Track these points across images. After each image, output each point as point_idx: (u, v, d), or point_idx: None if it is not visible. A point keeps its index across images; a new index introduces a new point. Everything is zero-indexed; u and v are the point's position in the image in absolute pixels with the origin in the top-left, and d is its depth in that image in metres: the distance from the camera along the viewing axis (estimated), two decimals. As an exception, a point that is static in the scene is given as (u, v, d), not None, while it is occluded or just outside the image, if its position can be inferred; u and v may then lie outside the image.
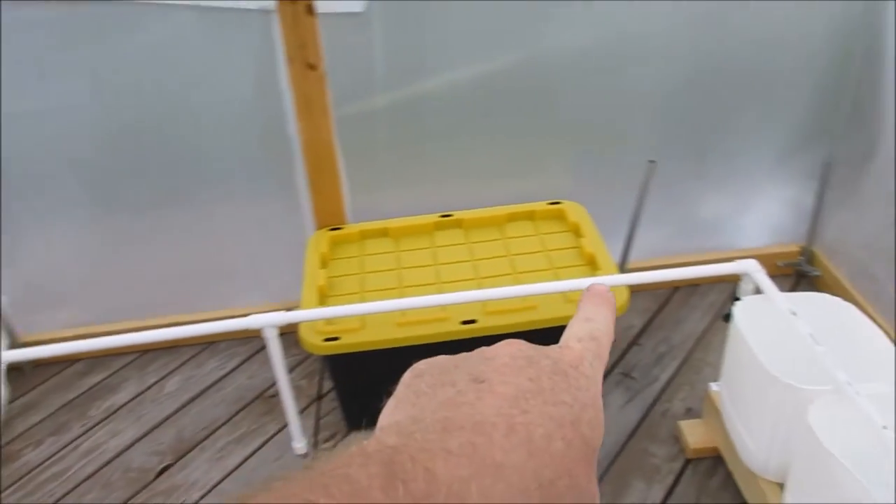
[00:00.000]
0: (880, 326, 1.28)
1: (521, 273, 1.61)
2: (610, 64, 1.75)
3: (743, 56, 1.76)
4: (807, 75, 1.80)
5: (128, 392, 1.82)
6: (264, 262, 1.95)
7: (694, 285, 1.96)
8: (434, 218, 1.80)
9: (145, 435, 1.70)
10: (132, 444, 1.68)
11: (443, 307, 1.47)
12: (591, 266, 1.60)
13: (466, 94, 1.76)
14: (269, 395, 1.77)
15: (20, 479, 1.62)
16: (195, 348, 1.95)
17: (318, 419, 1.68)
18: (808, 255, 1.96)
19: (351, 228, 1.80)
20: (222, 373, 1.85)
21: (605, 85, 1.78)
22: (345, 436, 1.64)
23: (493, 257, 1.68)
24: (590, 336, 0.31)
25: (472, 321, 1.46)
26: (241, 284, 1.98)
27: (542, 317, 1.47)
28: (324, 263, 1.68)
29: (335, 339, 1.46)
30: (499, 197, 1.87)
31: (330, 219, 1.81)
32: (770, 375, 1.14)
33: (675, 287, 1.95)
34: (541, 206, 1.81)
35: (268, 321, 1.41)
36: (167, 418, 1.73)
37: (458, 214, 1.81)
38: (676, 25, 1.71)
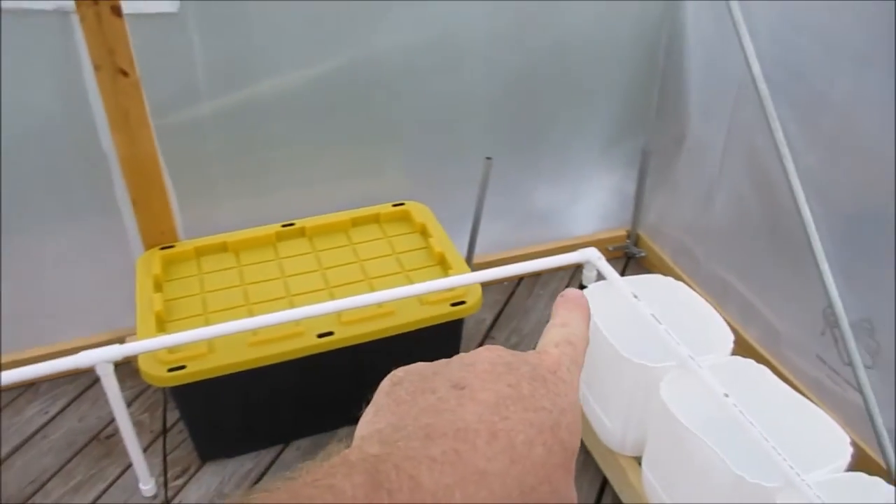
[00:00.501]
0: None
1: (373, 278, 1.59)
2: (439, 64, 1.77)
3: (561, 54, 1.85)
4: (618, 70, 1.93)
5: (-72, 453, 1.58)
6: (87, 289, 1.76)
7: (537, 275, 2.04)
8: (275, 228, 1.73)
9: (-43, 501, 1.48)
10: (-59, 514, 1.45)
11: (297, 322, 1.41)
12: (442, 266, 1.61)
13: (297, 98, 1.70)
14: (105, 437, 1.61)
15: None
16: (10, 393, 1.73)
17: (165, 455, 1.56)
18: (633, 238, 2.11)
19: (184, 246, 1.67)
20: (46, 418, 1.66)
21: (437, 85, 1.80)
22: (198, 469, 1.53)
23: (343, 264, 1.64)
24: (566, 341, 0.31)
25: (329, 333, 1.42)
26: (62, 316, 1.77)
27: (399, 322, 1.45)
28: (158, 286, 1.55)
29: (181, 367, 1.35)
30: (340, 202, 1.82)
31: (160, 237, 1.67)
32: (623, 357, 1.21)
33: (519, 278, 2.01)
34: (385, 208, 1.80)
35: (101, 356, 1.28)
36: (-17, 477, 1.52)
37: (300, 223, 1.74)
38: (499, 26, 1.76)
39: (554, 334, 0.32)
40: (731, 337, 1.26)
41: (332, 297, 1.53)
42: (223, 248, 1.69)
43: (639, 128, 2.02)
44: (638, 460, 1.30)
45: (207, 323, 1.47)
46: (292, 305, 1.51)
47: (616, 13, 1.83)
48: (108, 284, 1.76)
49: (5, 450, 1.58)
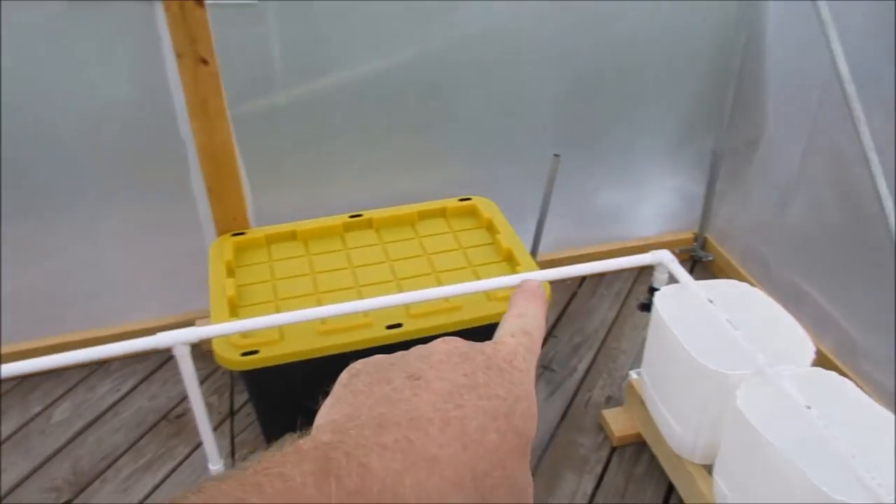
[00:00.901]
0: (785, 308, 1.36)
1: (440, 272, 1.59)
2: (506, 59, 1.76)
3: (631, 51, 1.83)
4: (691, 69, 1.89)
5: (9, 425, 1.64)
6: (159, 271, 1.81)
7: (600, 275, 2.01)
8: (343, 218, 1.74)
9: (36, 470, 1.53)
10: (22, 482, 1.51)
11: (365, 312, 1.43)
12: (510, 262, 1.61)
13: (366, 90, 1.71)
14: (174, 416, 1.65)
15: None
16: (83, 371, 1.79)
17: (233, 437, 1.59)
18: (701, 241, 2.06)
19: (255, 233, 1.70)
20: (118, 396, 1.71)
21: (503, 80, 1.79)
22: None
23: (410, 257, 1.64)
24: (522, 331, 0.32)
25: (398, 325, 1.42)
26: (135, 297, 1.83)
27: (467, 317, 1.45)
28: (230, 272, 1.58)
29: (253, 352, 1.37)
30: (404, 194, 1.83)
31: (231, 224, 1.71)
32: (697, 363, 1.19)
33: (582, 278, 1.99)
34: (451, 202, 1.80)
35: (179, 338, 1.31)
36: (59, 450, 1.58)
37: (367, 214, 1.76)
38: (567, 21, 1.74)
39: (510, 325, 0.32)
40: (812, 347, 1.23)
41: (400, 290, 1.54)
42: (292, 236, 1.71)
43: (709, 129, 1.98)
44: (707, 468, 1.27)
45: (278, 310, 1.49)
46: (360, 296, 1.53)
47: (690, 11, 1.80)
48: (178, 267, 1.81)
49: (79, 425, 1.64)
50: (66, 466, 1.54)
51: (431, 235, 1.72)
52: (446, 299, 1.46)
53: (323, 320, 1.42)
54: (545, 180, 1.75)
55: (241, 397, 1.68)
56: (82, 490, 1.49)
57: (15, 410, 1.67)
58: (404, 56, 1.70)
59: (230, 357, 1.37)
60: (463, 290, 1.42)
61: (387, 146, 1.79)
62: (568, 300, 1.93)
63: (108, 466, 1.54)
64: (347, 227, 1.74)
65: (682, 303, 1.35)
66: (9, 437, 1.61)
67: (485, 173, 1.92)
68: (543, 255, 1.89)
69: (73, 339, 1.76)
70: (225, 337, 1.39)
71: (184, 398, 1.69)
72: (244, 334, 1.40)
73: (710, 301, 1.30)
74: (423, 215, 1.77)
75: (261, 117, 1.66)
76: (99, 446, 1.59)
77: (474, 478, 0.25)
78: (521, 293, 0.35)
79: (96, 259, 1.75)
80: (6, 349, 1.73)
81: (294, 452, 0.24)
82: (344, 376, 0.30)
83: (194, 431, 1.61)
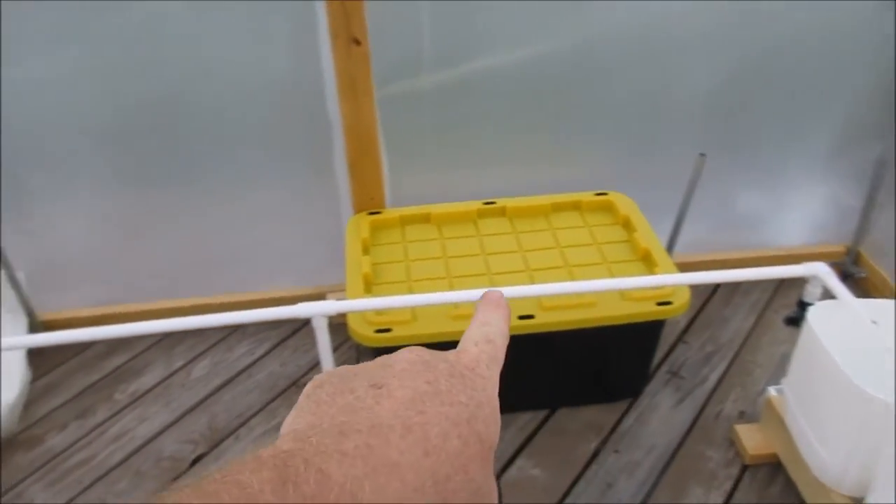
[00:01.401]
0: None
1: (573, 266, 1.56)
2: (657, 54, 1.69)
3: (792, 50, 1.71)
4: (852, 72, 1.75)
5: (154, 376, 1.76)
6: (296, 243, 1.88)
7: (736, 283, 1.92)
8: (477, 205, 1.74)
9: (176, 422, 1.63)
10: (162, 431, 1.61)
11: (498, 301, 1.42)
12: (646, 262, 1.55)
13: (513, 78, 1.69)
14: (303, 384, 1.70)
15: (44, 464, 1.55)
16: (223, 331, 1.88)
17: (356, 410, 1.63)
18: (853, 256, 1.93)
19: (391, 213, 1.73)
20: (253, 358, 1.79)
21: (648, 76, 1.73)
22: (385, 428, 1.59)
23: (543, 248, 1.62)
24: (485, 339, 0.33)
25: (530, 316, 1.41)
26: (271, 266, 1.91)
27: (600, 314, 1.42)
28: (366, 249, 1.62)
29: (386, 330, 1.40)
30: (539, 184, 1.81)
31: (369, 203, 1.74)
32: (857, 388, 1.11)
33: (717, 284, 1.91)
34: (587, 196, 1.76)
35: (318, 310, 1.35)
36: (198, 404, 1.67)
37: (501, 202, 1.75)
38: (720, 19, 1.65)
39: (474, 333, 0.33)
40: None
41: (532, 281, 1.52)
42: (426, 218, 1.73)
43: (870, 136, 1.83)
44: (855, 500, 1.19)
45: (410, 290, 1.52)
46: (492, 283, 1.52)
47: (853, 10, 1.66)
48: (314, 241, 1.86)
49: (216, 382, 1.73)
50: (202, 421, 1.63)
51: (565, 228, 1.69)
52: (580, 294, 1.43)
53: (455, 304, 1.43)
54: (688, 179, 1.68)
55: (366, 372, 1.72)
56: (216, 445, 1.58)
57: (160, 363, 1.78)
58: (552, 46, 1.67)
59: (364, 333, 1.40)
60: (600, 287, 1.39)
61: (525, 135, 1.78)
62: (700, 306, 1.85)
63: (242, 425, 1.62)
64: (481, 214, 1.74)
65: (838, 320, 1.26)
66: (151, 388, 1.72)
67: (623, 168, 1.86)
68: (677, 256, 1.82)
69: (213, 301, 1.86)
70: (360, 313, 1.42)
71: (312, 367, 1.75)
72: (378, 312, 1.43)
73: (874, 322, 1.20)
74: (558, 207, 1.74)
75: (404, 100, 1.68)
76: (234, 405, 1.67)
77: (435, 482, 0.25)
78: (484, 303, 0.35)
79: (239, 227, 1.83)
80: (156, 305, 1.85)
81: (253, 461, 0.24)
82: (308, 388, 0.29)
83: (321, 400, 1.66)
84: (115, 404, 1.69)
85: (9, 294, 1.73)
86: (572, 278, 1.52)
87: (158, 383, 1.74)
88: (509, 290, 1.36)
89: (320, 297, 1.85)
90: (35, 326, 1.79)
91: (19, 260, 1.72)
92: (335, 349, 1.75)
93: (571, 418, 1.60)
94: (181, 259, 1.86)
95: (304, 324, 1.89)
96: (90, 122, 1.63)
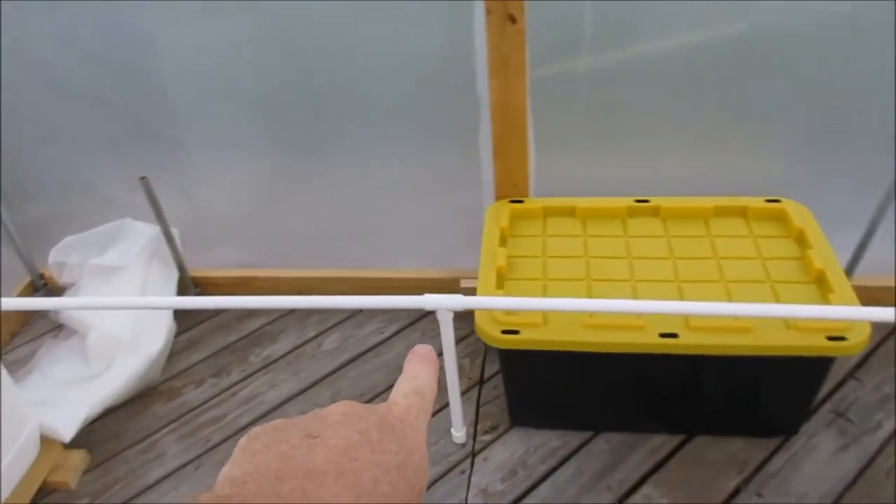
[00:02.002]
0: None
1: (731, 282, 1.39)
2: (855, 46, 1.44)
3: None
4: None
5: (286, 343, 1.79)
6: (431, 224, 1.83)
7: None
8: (627, 202, 1.60)
9: (302, 392, 1.66)
10: (289, 400, 1.64)
11: (638, 314, 1.29)
12: (820, 286, 1.35)
13: (678, 64, 1.51)
14: (427, 370, 1.67)
15: (180, 417, 1.63)
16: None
17: (478, 407, 1.57)
18: None
19: (533, 203, 1.63)
20: (381, 337, 1.77)
21: (845, 69, 1.48)
22: (506, 430, 1.52)
23: (698, 258, 1.46)
24: (414, 391, 0.34)
25: (673, 335, 1.27)
26: (405, 244, 1.87)
27: (757, 343, 1.25)
28: (503, 240, 1.53)
29: (514, 332, 1.31)
30: (699, 185, 1.63)
31: (511, 189, 1.65)
32: None
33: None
34: (756, 202, 1.56)
35: (444, 303, 1.28)
36: (324, 377, 1.68)
37: (655, 200, 1.59)
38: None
39: (404, 386, 0.35)
40: None
41: (681, 293, 1.38)
42: (571, 212, 1.61)
43: None
44: None
45: (545, 289, 1.42)
46: (635, 291, 1.39)
47: None
48: (451, 223, 1.80)
49: (344, 357, 1.73)
50: (327, 394, 1.64)
51: (726, 237, 1.51)
52: (735, 317, 1.27)
53: (591, 313, 1.31)
54: (883, 193, 1.44)
55: (493, 367, 1.65)
56: (337, 421, 1.58)
57: (291, 332, 1.81)
58: (721, 31, 1.47)
59: (491, 332, 1.32)
60: (761, 313, 1.22)
61: (688, 128, 1.60)
62: (881, 339, 1.61)
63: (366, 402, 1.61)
64: (631, 212, 1.59)
65: None
66: (282, 355, 1.76)
67: (797, 172, 1.63)
68: (856, 277, 1.59)
69: (346, 275, 1.86)
70: (489, 311, 1.35)
71: (438, 354, 1.70)
72: (508, 311, 1.34)
73: None
74: (720, 212, 1.56)
75: (558, 82, 1.56)
76: (359, 382, 1.66)
77: None
78: (413, 357, 0.37)
79: (377, 201, 1.80)
80: (293, 273, 1.88)
81: (191, 503, 0.25)
82: (242, 441, 0.31)
83: (442, 392, 1.62)
84: (248, 366, 1.74)
85: (164, 248, 1.81)
86: (728, 297, 1.36)
87: (290, 351, 1.77)
88: (653, 305, 1.22)
89: (453, 282, 1.81)
90: (185, 281, 1.88)
91: (174, 217, 1.80)
92: (464, 337, 1.71)
93: (711, 448, 1.44)
94: (319, 228, 1.86)
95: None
96: (243, 89, 1.65)
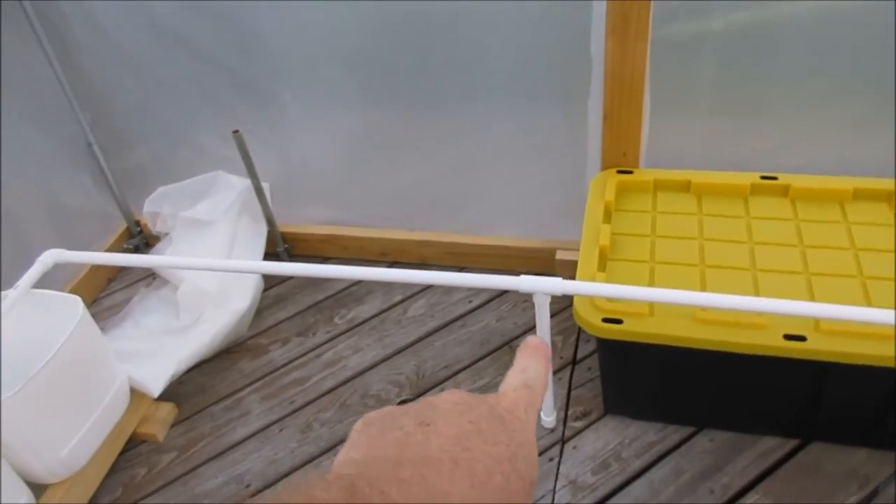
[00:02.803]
0: None
1: (870, 279, 1.23)
2: None
3: None
4: None
5: (372, 306, 1.74)
6: (530, 189, 1.71)
7: None
8: (752, 178, 1.44)
9: (385, 360, 1.61)
10: (372, 367, 1.60)
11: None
12: (979, 290, 1.17)
13: (829, 27, 1.32)
14: (516, 346, 1.58)
15: (265, 376, 1.62)
16: (444, 269, 1.81)
17: (570, 389, 1.48)
18: None
19: (643, 175, 1.49)
20: (469, 307, 1.70)
21: None
22: (599, 417, 1.42)
23: (831, 247, 1.30)
24: (523, 385, 0.35)
25: (800, 338, 1.13)
26: (499, 208, 1.77)
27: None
28: (608, 216, 1.41)
29: (617, 321, 1.21)
30: (835, 165, 1.44)
31: (620, 159, 1.52)
32: None
33: None
34: (905, 185, 1.37)
35: (542, 287, 1.18)
36: (409, 346, 1.63)
37: (784, 178, 1.43)
38: None
39: (513, 379, 0.35)
40: None
41: (810, 288, 1.23)
42: (685, 187, 1.47)
43: None
44: None
45: (652, 274, 1.30)
46: (755, 284, 1.25)
47: None
48: (550, 190, 1.69)
49: (430, 326, 1.67)
50: (411, 364, 1.59)
51: (866, 224, 1.33)
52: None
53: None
54: None
55: (587, 346, 1.56)
56: (422, 393, 1.53)
57: (378, 295, 1.76)
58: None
59: (590, 320, 1.22)
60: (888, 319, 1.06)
61: (831, 100, 1.40)
62: None
63: (448, 377, 1.55)
64: (755, 190, 1.43)
65: None
66: (368, 319, 1.71)
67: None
68: None
69: (440, 238, 1.78)
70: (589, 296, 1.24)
71: (529, 328, 1.62)
72: (611, 298, 1.23)
73: None
74: (860, 195, 1.38)
75: (684, 44, 1.39)
76: (443, 353, 1.60)
77: None
78: (524, 349, 0.37)
79: (474, 163, 1.70)
80: (382, 234, 1.82)
81: (320, 480, 0.26)
82: (358, 426, 0.31)
83: (533, 369, 1.53)
84: (333, 328, 1.70)
85: (254, 203, 1.78)
86: (866, 296, 1.20)
87: (375, 315, 1.72)
88: (777, 305, 1.08)
89: (549, 252, 1.70)
90: (274, 236, 1.85)
91: (265, 171, 1.75)
92: (555, 314, 1.61)
93: (828, 458, 1.31)
94: (412, 189, 1.78)
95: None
96: (344, 43, 1.57)
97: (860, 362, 1.11)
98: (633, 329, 1.19)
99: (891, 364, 1.10)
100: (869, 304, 1.18)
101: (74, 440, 1.31)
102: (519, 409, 0.33)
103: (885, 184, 1.38)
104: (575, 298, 1.26)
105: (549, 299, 1.21)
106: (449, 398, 0.32)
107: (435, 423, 0.30)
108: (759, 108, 1.45)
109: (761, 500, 1.26)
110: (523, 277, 1.21)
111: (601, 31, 1.38)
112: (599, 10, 1.36)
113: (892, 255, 1.27)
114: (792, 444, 1.34)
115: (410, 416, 0.31)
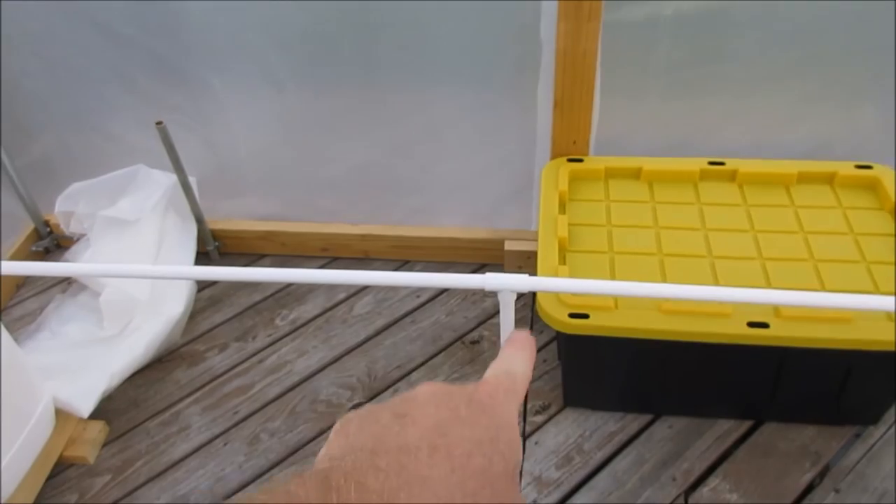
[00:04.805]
0: None
1: (821, 262, 1.25)
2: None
3: None
4: None
5: (315, 305, 1.66)
6: (476, 177, 1.66)
7: None
8: (700, 163, 1.44)
9: (334, 362, 1.54)
10: (320, 371, 1.52)
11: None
12: (923, 270, 1.22)
13: (785, 10, 1.33)
14: (470, 341, 1.55)
15: (204, 386, 1.51)
16: (388, 265, 1.75)
17: (527, 383, 1.45)
18: None
19: (594, 163, 1.47)
20: (418, 302, 1.64)
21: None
22: (559, 410, 1.40)
23: (781, 231, 1.32)
24: (504, 372, 0.35)
25: (763, 325, 1.14)
26: (445, 197, 1.71)
27: (858, 336, 1.12)
28: (562, 206, 1.38)
29: (583, 315, 1.18)
30: (781, 148, 1.47)
31: (570, 147, 1.49)
32: None
33: None
34: (845, 167, 1.41)
35: (508, 284, 1.13)
36: (358, 346, 1.56)
37: (731, 163, 1.44)
38: None
39: (495, 367, 0.35)
40: None
41: (766, 273, 1.24)
42: (636, 174, 1.46)
43: None
44: None
45: (612, 264, 1.28)
46: (713, 270, 1.25)
47: None
48: (497, 178, 1.65)
49: (378, 323, 1.60)
50: (362, 365, 1.52)
51: (812, 207, 1.36)
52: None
53: (669, 296, 1.17)
54: None
55: (540, 338, 1.53)
56: (375, 396, 1.47)
57: (320, 293, 1.68)
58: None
59: (556, 316, 1.19)
60: (861, 305, 1.08)
61: (780, 84, 1.42)
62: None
63: (401, 378, 1.49)
64: (704, 176, 1.44)
65: None
66: (311, 319, 1.63)
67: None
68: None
69: (379, 231, 1.71)
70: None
71: (480, 323, 1.58)
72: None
73: None
74: (804, 178, 1.41)
75: (636, 26, 1.37)
76: (394, 352, 1.54)
77: (464, 495, 0.26)
78: (509, 342, 0.37)
79: (417, 150, 1.63)
80: (322, 228, 1.73)
81: (296, 476, 0.26)
82: (337, 426, 0.31)
83: (487, 363, 1.49)
84: (275, 330, 1.61)
85: (181, 199, 1.66)
86: (819, 279, 1.22)
87: (319, 314, 1.64)
88: (741, 294, 1.08)
89: (497, 243, 1.67)
90: (204, 235, 1.73)
91: (192, 165, 1.63)
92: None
93: (781, 437, 1.34)
94: (352, 178, 1.70)
95: (476, 269, 1.72)
96: (274, 20, 1.46)
97: (819, 346, 1.13)
98: (600, 323, 1.17)
99: (847, 346, 1.13)
100: (822, 286, 1.21)
101: (-4, 473, 1.18)
102: (499, 394, 0.32)
103: (828, 166, 1.41)
104: (539, 294, 1.22)
105: (514, 296, 1.17)
106: (426, 390, 0.32)
107: (412, 414, 0.30)
108: (706, 88, 1.45)
109: (721, 485, 1.28)
110: (488, 275, 1.16)
111: (553, 13, 1.33)
112: (551, -7, 1.32)
113: (840, 237, 1.30)
114: (746, 425, 1.36)
115: (388, 409, 0.31)
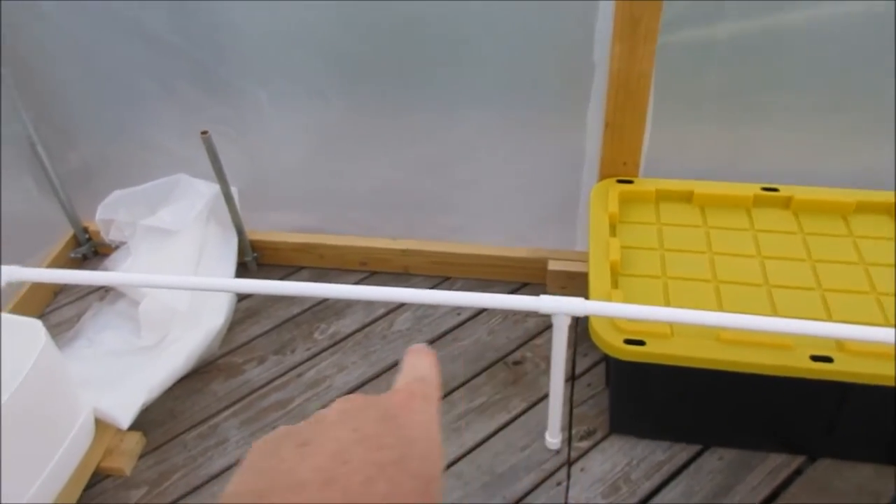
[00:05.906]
0: None
1: (882, 295, 1.22)
2: None
3: None
4: None
5: (354, 320, 1.64)
6: (520, 196, 1.64)
7: None
8: (753, 189, 1.42)
9: (372, 378, 1.51)
10: (359, 386, 1.50)
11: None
12: None
13: (838, 36, 1.30)
14: (512, 362, 1.52)
15: (242, 398, 1.49)
16: (429, 280, 1.72)
17: (571, 407, 1.42)
18: None
19: (644, 184, 1.45)
20: (459, 319, 1.62)
21: None
22: (605, 437, 1.37)
23: (840, 262, 1.28)
24: (416, 378, 0.33)
25: (827, 359, 1.11)
26: (486, 215, 1.69)
27: (926, 373, 1.09)
28: (613, 228, 1.36)
29: (639, 342, 1.15)
30: (839, 176, 1.44)
31: (620, 168, 1.47)
32: None
33: None
34: (905, 197, 1.37)
35: (564, 307, 1.12)
36: (396, 364, 1.53)
37: (786, 190, 1.41)
38: None
39: (403, 376, 0.34)
40: None
41: (825, 305, 1.20)
42: (688, 197, 1.43)
43: None
44: None
45: (666, 289, 1.25)
46: (771, 299, 1.22)
47: None
48: (542, 198, 1.62)
49: (418, 340, 1.58)
50: (401, 383, 1.49)
51: (872, 238, 1.33)
52: (898, 340, 1.10)
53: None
54: None
55: (584, 361, 1.50)
56: (415, 415, 1.44)
57: (359, 307, 1.66)
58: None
59: (611, 341, 1.16)
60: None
61: (837, 110, 1.39)
62: None
63: (443, 397, 1.46)
64: (757, 202, 1.41)
65: None
66: (350, 334, 1.61)
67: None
68: None
69: (419, 247, 1.69)
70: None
71: (522, 344, 1.56)
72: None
73: None
74: (863, 207, 1.38)
75: (690, 50, 1.35)
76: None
77: None
78: (410, 352, 0.36)
79: (459, 169, 1.61)
80: (360, 242, 1.71)
81: None
82: (250, 451, 0.30)
83: (530, 386, 1.48)
84: (314, 344, 1.59)
85: (222, 209, 1.65)
86: (883, 312, 1.18)
87: (358, 329, 1.62)
88: (802, 326, 1.05)
89: (540, 262, 1.65)
90: (243, 246, 1.72)
91: (232, 173, 1.62)
92: (548, 328, 1.55)
93: (836, 475, 1.30)
94: (394, 194, 1.68)
95: (516, 288, 1.69)
96: (321, 37, 1.45)
97: (884, 383, 1.09)
98: (656, 351, 1.15)
99: (916, 384, 1.09)
100: (887, 321, 1.17)
101: (37, 484, 1.16)
102: (414, 403, 0.31)
103: (887, 196, 1.38)
104: (592, 318, 1.20)
105: (568, 320, 1.14)
106: (338, 407, 0.31)
107: (316, 440, 0.28)
108: (762, 114, 1.42)
109: (775, 520, 1.24)
110: (543, 298, 1.14)
111: (607, 33, 1.32)
112: (606, 11, 1.30)
113: (902, 270, 1.26)
114: (799, 460, 1.32)
115: (292, 437, 0.29)
